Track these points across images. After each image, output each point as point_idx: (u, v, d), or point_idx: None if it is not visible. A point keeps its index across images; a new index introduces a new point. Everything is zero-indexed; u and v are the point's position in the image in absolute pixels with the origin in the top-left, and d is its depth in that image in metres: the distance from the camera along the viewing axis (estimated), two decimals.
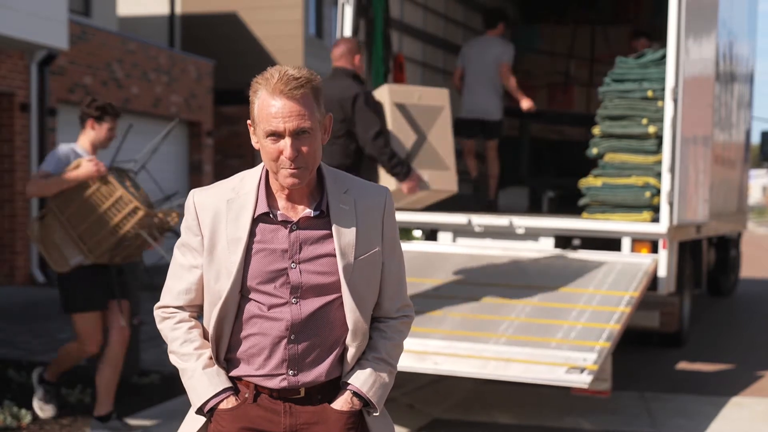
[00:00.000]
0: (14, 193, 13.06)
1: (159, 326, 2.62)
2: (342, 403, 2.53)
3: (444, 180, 6.42)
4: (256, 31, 20.23)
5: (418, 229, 8.41)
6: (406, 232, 9.16)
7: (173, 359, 2.58)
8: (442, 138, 6.44)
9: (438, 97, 6.54)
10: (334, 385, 2.56)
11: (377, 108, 6.12)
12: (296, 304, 2.47)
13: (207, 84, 18.08)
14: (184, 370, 2.56)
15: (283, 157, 2.42)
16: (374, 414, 2.57)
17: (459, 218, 7.86)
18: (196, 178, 17.62)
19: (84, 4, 15.92)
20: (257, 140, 2.49)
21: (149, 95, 16.10)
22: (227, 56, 19.83)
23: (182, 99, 17.15)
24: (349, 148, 6.02)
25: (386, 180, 6.09)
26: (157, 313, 2.62)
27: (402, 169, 6.03)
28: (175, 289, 2.58)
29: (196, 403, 2.53)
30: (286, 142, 2.41)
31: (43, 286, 12.93)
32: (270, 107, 2.42)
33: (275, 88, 2.41)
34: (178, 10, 20.06)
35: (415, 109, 6.37)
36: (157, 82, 16.33)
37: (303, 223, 2.51)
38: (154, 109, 16.26)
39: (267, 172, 2.54)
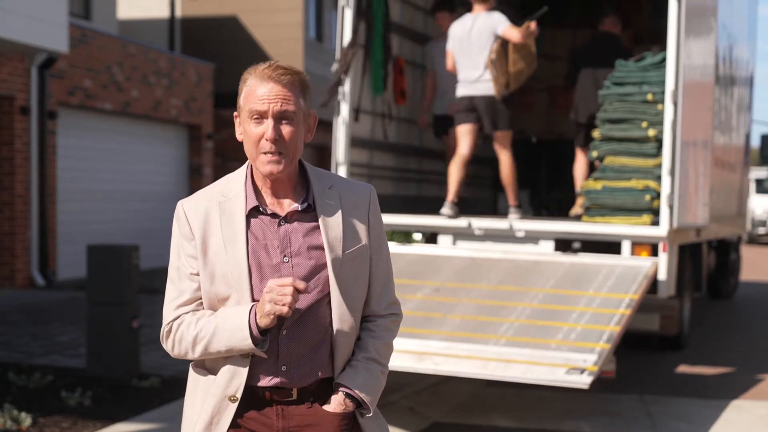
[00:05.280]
0: (14, 195, 13.07)
1: (170, 341, 2.54)
2: (335, 404, 2.51)
3: None
4: (256, 35, 20.24)
5: (418, 232, 8.42)
6: (406, 235, 9.17)
7: (203, 347, 2.47)
8: None
9: None
10: (327, 387, 2.54)
11: None
12: None
13: (207, 87, 18.10)
14: (213, 330, 2.45)
15: (263, 140, 2.45)
16: (367, 415, 2.55)
17: (459, 221, 7.86)
18: (196, 180, 17.63)
19: (84, 8, 15.93)
20: (241, 130, 2.52)
21: (149, 98, 16.11)
22: (227, 59, 19.84)
23: (182, 102, 17.16)
24: None
25: None
26: (163, 333, 2.55)
27: None
28: (175, 303, 2.55)
29: (241, 330, 2.41)
30: (268, 124, 2.45)
31: (42, 289, 12.93)
32: (257, 90, 2.47)
33: (264, 74, 2.48)
34: (178, 13, 20.08)
35: None
36: (157, 86, 16.34)
37: (291, 217, 2.53)
38: (154, 112, 16.27)
39: (251, 171, 2.56)
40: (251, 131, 2.47)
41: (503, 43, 7.91)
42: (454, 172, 8.09)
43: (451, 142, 8.90)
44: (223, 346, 2.45)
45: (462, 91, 8.09)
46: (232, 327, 2.43)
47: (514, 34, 7.81)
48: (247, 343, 2.42)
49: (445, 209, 7.93)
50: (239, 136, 2.54)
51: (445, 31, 8.66)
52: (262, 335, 2.42)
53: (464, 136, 8.11)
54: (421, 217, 8.10)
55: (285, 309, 2.35)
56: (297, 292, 2.36)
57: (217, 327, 2.46)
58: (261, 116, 2.46)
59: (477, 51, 7.93)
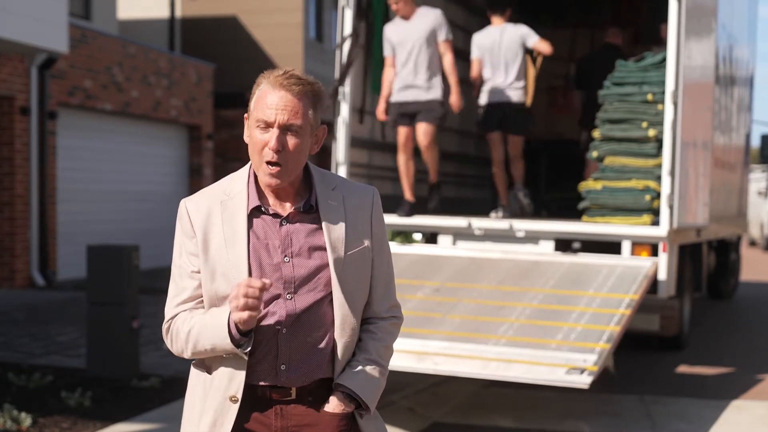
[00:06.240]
0: (14, 196, 13.06)
1: (169, 338, 2.55)
2: (334, 405, 2.51)
3: None
4: (257, 35, 20.25)
5: (418, 232, 8.42)
6: (406, 235, 9.16)
7: (193, 344, 2.48)
8: None
9: None
10: (326, 387, 2.53)
11: None
12: (290, 299, 2.47)
13: (207, 87, 18.10)
14: (200, 328, 2.46)
15: (266, 149, 2.44)
16: (366, 416, 2.55)
17: (459, 221, 7.87)
18: (196, 181, 17.63)
19: (84, 8, 15.93)
20: (249, 132, 2.52)
21: (149, 99, 16.11)
22: (227, 60, 19.85)
23: (182, 102, 17.16)
24: None
25: None
26: (163, 330, 2.57)
27: None
28: (176, 300, 2.56)
29: (221, 328, 2.41)
30: (272, 134, 2.44)
31: (42, 289, 12.93)
32: (267, 97, 2.46)
33: (276, 81, 2.46)
34: (179, 13, 20.08)
35: None
36: (157, 86, 16.34)
37: (293, 217, 2.52)
38: (154, 112, 16.27)
39: (254, 170, 2.56)
40: (256, 138, 2.46)
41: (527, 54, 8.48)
42: (501, 177, 8.67)
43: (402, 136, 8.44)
44: (208, 344, 2.46)
45: (492, 99, 8.47)
46: (215, 325, 2.44)
47: (545, 47, 8.29)
48: (227, 342, 2.42)
49: (500, 213, 8.41)
50: (246, 138, 2.53)
51: (401, 14, 8.00)
52: (245, 336, 2.41)
53: (498, 143, 8.61)
54: (422, 218, 8.09)
55: (245, 315, 2.32)
56: (260, 291, 2.32)
57: (204, 324, 2.47)
58: (267, 125, 2.45)
59: (508, 61, 8.39)
